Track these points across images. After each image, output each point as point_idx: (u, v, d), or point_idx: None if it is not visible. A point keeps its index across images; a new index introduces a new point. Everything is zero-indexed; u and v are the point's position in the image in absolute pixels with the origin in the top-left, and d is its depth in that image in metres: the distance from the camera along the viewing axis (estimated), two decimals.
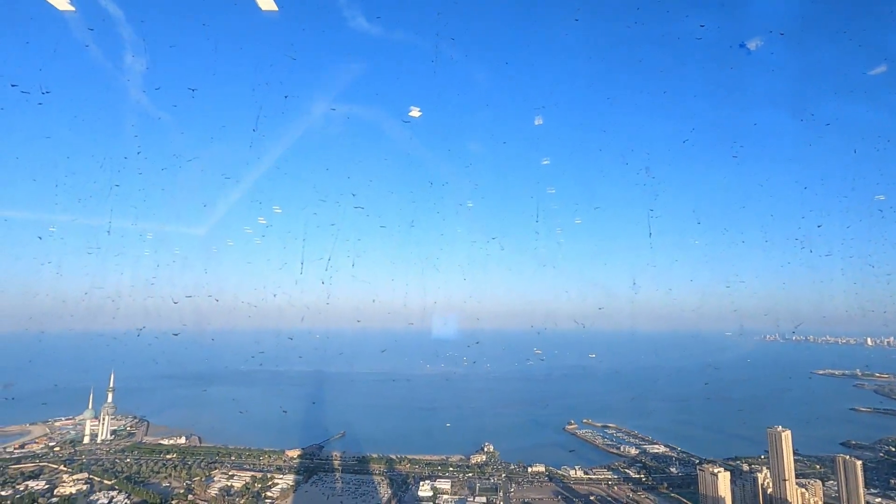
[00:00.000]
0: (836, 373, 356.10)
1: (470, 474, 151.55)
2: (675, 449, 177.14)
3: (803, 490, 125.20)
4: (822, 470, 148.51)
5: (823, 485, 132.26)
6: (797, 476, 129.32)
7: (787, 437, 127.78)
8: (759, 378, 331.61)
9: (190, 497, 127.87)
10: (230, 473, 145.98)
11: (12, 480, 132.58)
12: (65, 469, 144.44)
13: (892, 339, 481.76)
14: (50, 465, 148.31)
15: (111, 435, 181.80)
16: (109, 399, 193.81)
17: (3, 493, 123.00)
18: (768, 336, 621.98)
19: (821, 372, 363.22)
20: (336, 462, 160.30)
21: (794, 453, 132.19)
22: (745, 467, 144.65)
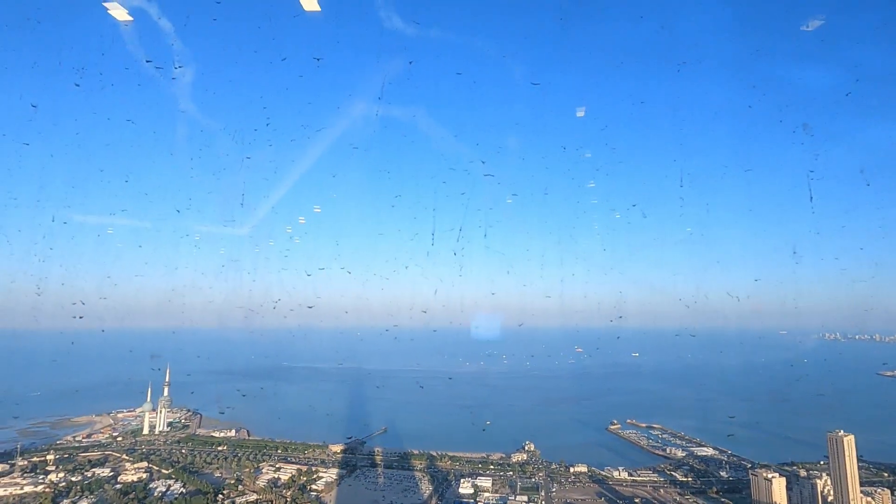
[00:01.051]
0: None
1: (511, 473, 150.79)
2: (724, 452, 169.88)
3: (869, 499, 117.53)
4: (892, 478, 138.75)
5: (892, 494, 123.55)
6: (862, 484, 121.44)
7: (849, 441, 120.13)
8: (818, 378, 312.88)
9: (240, 487, 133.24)
10: (277, 466, 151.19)
11: (81, 467, 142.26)
12: (127, 458, 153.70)
13: None
14: (114, 453, 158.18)
15: (167, 426, 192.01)
16: (165, 392, 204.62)
17: (73, 479, 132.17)
18: (828, 334, 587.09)
19: (888, 373, 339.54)
20: (378, 457, 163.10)
21: (859, 459, 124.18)
22: (803, 473, 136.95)
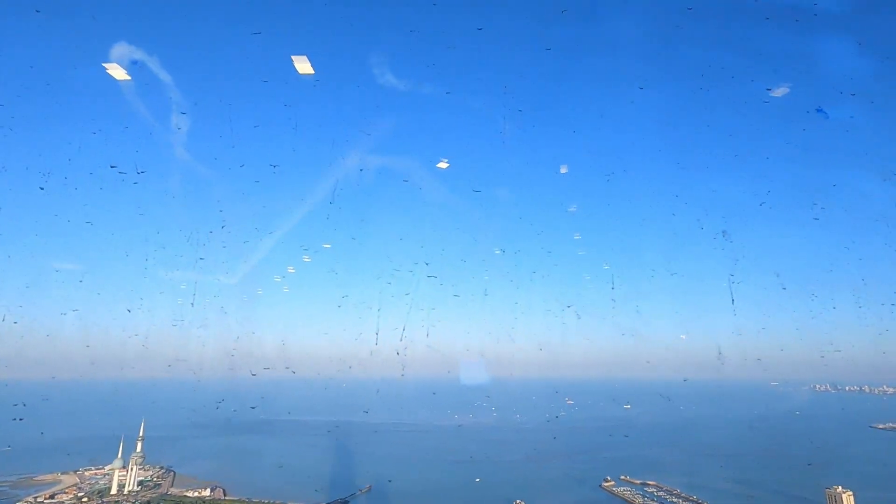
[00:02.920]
0: None
1: None
2: None
3: None
4: None
5: None
6: None
7: (848, 498, 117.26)
8: (812, 432, 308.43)
9: None
10: None
11: None
12: None
13: None
14: None
15: (138, 485, 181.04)
16: (139, 448, 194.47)
17: None
18: (818, 386, 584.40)
19: (881, 426, 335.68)
20: None
21: None
22: None
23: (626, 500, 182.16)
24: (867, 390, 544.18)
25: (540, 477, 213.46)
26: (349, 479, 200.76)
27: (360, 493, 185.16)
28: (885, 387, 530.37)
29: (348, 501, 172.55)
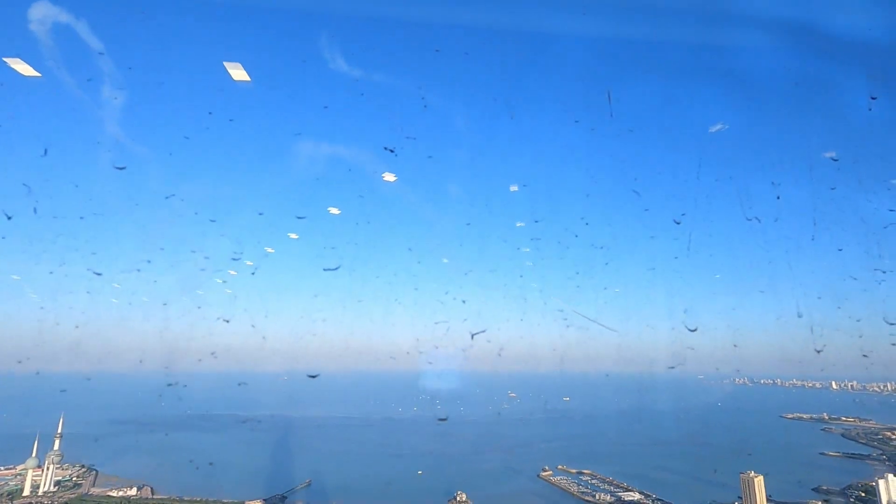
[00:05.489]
0: (805, 416, 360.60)
1: None
2: (650, 496, 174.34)
3: None
4: None
5: None
6: None
7: (759, 482, 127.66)
8: (730, 422, 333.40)
9: None
10: None
11: None
12: None
13: (854, 382, 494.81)
14: None
15: (55, 486, 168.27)
16: (56, 446, 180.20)
17: None
18: (737, 379, 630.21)
19: (790, 416, 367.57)
20: None
21: (768, 499, 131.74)
22: None
23: (563, 489, 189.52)
24: (779, 383, 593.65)
25: (481, 468, 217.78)
26: (288, 475, 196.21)
27: (298, 488, 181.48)
28: (794, 380, 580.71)
29: (287, 497, 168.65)
